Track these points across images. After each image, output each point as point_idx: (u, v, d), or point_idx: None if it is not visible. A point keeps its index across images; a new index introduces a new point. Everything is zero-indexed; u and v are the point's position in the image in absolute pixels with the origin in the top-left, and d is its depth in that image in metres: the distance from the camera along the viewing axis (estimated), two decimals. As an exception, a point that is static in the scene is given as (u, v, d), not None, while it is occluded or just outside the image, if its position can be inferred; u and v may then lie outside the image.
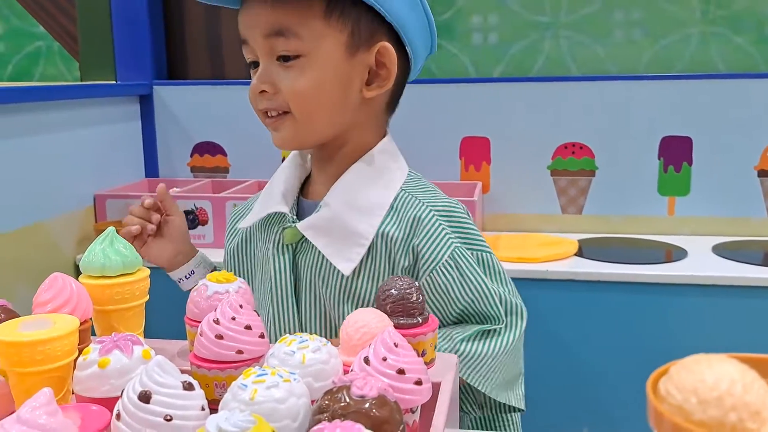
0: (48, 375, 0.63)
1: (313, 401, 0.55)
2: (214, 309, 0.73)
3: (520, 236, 2.07)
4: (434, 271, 0.91)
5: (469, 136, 2.17)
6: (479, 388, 0.90)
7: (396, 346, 0.59)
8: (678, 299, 1.69)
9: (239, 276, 0.90)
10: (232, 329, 0.67)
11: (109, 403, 0.59)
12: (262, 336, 0.69)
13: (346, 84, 0.90)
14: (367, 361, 0.58)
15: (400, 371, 0.57)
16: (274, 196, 0.97)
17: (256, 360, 0.69)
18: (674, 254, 1.85)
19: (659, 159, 2.04)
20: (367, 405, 0.50)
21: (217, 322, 0.67)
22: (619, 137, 2.05)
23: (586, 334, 1.75)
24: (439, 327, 0.93)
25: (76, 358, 0.64)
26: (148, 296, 0.81)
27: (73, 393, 0.64)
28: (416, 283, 0.75)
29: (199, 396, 0.54)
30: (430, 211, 0.93)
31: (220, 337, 0.67)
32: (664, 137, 2.03)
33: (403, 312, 0.73)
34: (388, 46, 0.90)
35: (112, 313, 0.77)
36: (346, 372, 0.62)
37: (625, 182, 2.07)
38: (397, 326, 0.69)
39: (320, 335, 0.90)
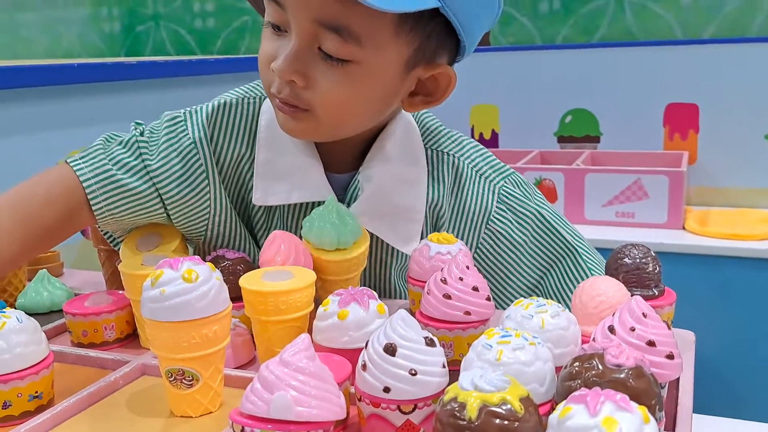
0: (289, 324, 0.66)
1: (557, 368, 0.53)
2: (436, 269, 0.73)
3: (732, 212, 1.92)
4: (490, 221, 0.86)
5: (675, 102, 2.03)
6: None
7: (645, 316, 0.55)
8: None
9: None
10: (460, 289, 0.66)
11: (346, 353, 0.61)
12: (488, 298, 0.68)
13: (391, 97, 0.77)
14: (612, 330, 0.55)
15: (650, 343, 0.54)
16: (303, 177, 0.82)
17: (483, 322, 0.68)
18: None
19: None
20: (623, 375, 0.48)
21: (444, 281, 0.67)
22: None
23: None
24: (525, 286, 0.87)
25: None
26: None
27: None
28: (652, 252, 0.71)
29: (439, 353, 0.54)
30: (461, 161, 0.88)
31: (447, 296, 0.66)
32: None
33: (638, 283, 0.69)
34: (452, 73, 0.78)
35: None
36: (585, 340, 0.59)
37: None
38: (630, 297, 0.65)
39: None
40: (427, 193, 0.86)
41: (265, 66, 0.75)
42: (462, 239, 0.85)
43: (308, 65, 0.71)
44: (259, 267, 0.73)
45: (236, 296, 0.66)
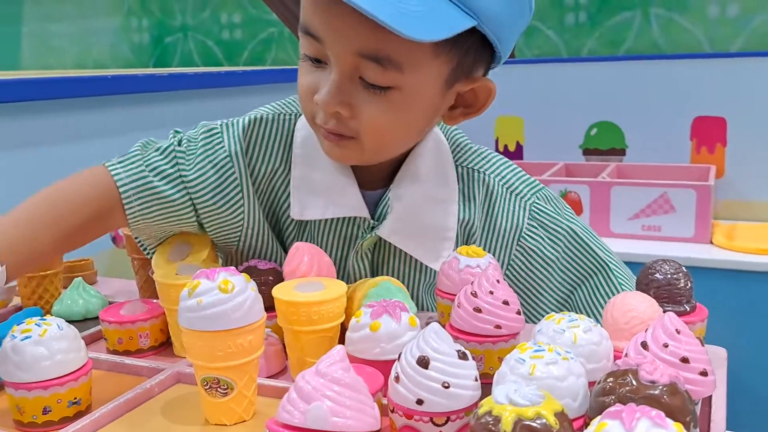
0: (321, 334, 0.67)
1: (590, 383, 0.53)
2: (465, 282, 0.74)
3: (759, 226, 1.90)
4: (522, 238, 0.86)
5: (703, 116, 2.01)
6: None
7: (678, 332, 0.55)
8: None
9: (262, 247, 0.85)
10: (491, 303, 0.67)
11: (378, 365, 0.62)
12: (518, 312, 0.68)
13: (432, 115, 0.79)
14: (645, 346, 0.55)
15: (684, 359, 0.54)
16: (337, 193, 0.83)
17: (513, 336, 0.68)
18: None
19: None
20: (657, 391, 0.48)
21: (474, 295, 0.68)
22: None
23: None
24: (553, 302, 0.87)
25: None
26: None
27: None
28: (683, 268, 0.70)
29: (472, 366, 0.54)
30: (491, 177, 0.88)
31: (478, 310, 0.67)
32: None
33: (669, 299, 0.69)
34: (491, 85, 0.80)
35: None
36: (616, 356, 0.59)
37: None
38: (662, 312, 0.65)
39: None
40: (459, 212, 0.86)
41: (308, 98, 0.76)
42: (494, 256, 0.85)
43: (351, 95, 0.72)
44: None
45: (268, 306, 0.67)
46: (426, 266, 0.86)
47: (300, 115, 0.85)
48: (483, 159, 0.90)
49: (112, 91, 1.44)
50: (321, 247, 0.81)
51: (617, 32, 2.16)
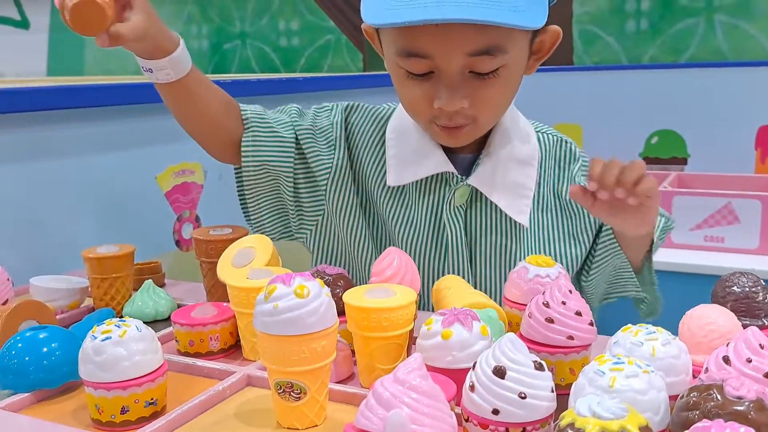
0: (390, 341, 0.67)
1: (670, 397, 0.52)
2: (534, 292, 0.73)
3: (828, 238, 1.83)
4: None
5: (769, 124, 1.96)
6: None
7: (762, 348, 0.54)
8: None
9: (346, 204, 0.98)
10: (563, 314, 0.66)
11: (450, 373, 0.62)
12: (591, 323, 0.68)
13: (522, 74, 0.90)
14: (726, 360, 0.54)
15: (768, 375, 0.52)
16: (426, 157, 0.94)
17: (585, 347, 0.67)
18: None
19: None
20: (744, 407, 0.47)
21: (546, 305, 0.67)
22: None
23: None
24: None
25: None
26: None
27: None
28: (762, 281, 0.69)
29: (548, 377, 0.54)
30: (568, 145, 1.00)
31: (550, 320, 0.66)
32: None
33: (747, 312, 0.67)
34: (558, 30, 0.89)
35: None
36: (695, 370, 0.58)
37: None
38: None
39: (494, 289, 0.94)
40: (539, 173, 0.97)
41: (425, 106, 0.86)
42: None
43: (467, 89, 0.83)
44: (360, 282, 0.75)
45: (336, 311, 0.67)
46: (512, 231, 0.95)
47: (394, 109, 1.01)
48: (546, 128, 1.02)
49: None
50: (418, 209, 0.95)
51: (680, 39, 2.12)
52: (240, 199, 1.01)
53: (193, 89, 0.90)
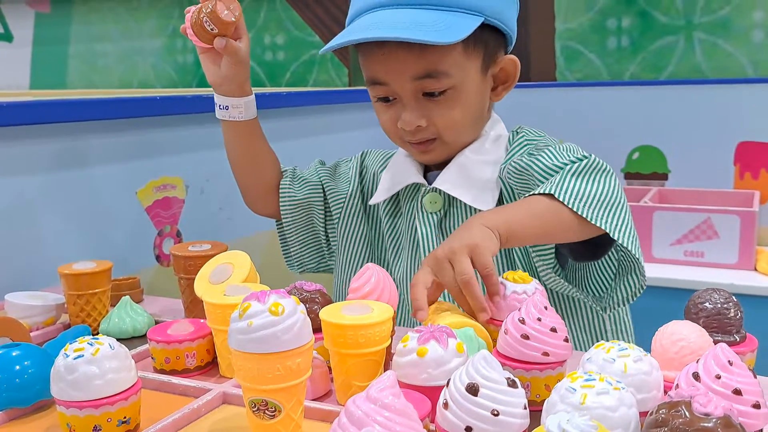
0: (367, 357, 0.67)
1: (641, 413, 0.52)
2: (511, 308, 0.73)
3: (806, 253, 1.85)
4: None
5: (747, 141, 1.98)
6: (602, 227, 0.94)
7: (730, 364, 0.54)
8: None
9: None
10: (538, 330, 0.66)
11: (425, 390, 0.62)
12: (566, 340, 0.68)
13: (483, 99, 0.99)
14: (696, 377, 0.54)
15: (737, 391, 0.53)
16: (402, 174, 1.04)
17: (560, 364, 0.68)
18: None
19: None
20: (711, 424, 0.47)
21: (522, 321, 0.67)
22: None
23: None
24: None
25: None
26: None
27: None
28: (733, 297, 0.69)
29: (521, 394, 0.54)
30: (535, 143, 1.02)
31: (525, 337, 0.66)
32: None
33: (719, 328, 0.68)
34: (514, 59, 0.99)
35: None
36: (667, 386, 0.58)
37: None
38: (712, 343, 0.64)
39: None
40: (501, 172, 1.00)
41: (393, 126, 0.98)
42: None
43: (423, 110, 0.95)
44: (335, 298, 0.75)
45: (314, 328, 0.67)
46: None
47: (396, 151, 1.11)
48: (531, 141, 1.03)
49: (158, 112, 1.47)
50: (401, 223, 1.05)
51: (660, 56, 2.15)
52: (282, 243, 1.17)
53: (254, 132, 1.08)
